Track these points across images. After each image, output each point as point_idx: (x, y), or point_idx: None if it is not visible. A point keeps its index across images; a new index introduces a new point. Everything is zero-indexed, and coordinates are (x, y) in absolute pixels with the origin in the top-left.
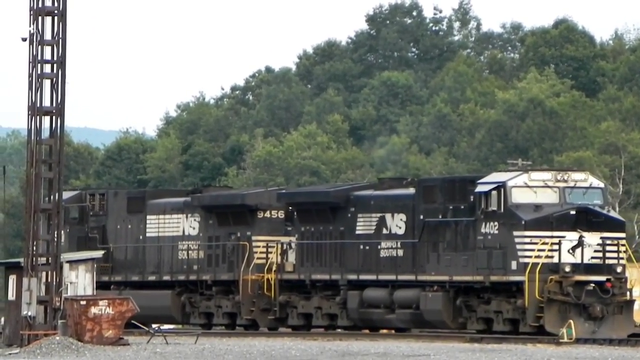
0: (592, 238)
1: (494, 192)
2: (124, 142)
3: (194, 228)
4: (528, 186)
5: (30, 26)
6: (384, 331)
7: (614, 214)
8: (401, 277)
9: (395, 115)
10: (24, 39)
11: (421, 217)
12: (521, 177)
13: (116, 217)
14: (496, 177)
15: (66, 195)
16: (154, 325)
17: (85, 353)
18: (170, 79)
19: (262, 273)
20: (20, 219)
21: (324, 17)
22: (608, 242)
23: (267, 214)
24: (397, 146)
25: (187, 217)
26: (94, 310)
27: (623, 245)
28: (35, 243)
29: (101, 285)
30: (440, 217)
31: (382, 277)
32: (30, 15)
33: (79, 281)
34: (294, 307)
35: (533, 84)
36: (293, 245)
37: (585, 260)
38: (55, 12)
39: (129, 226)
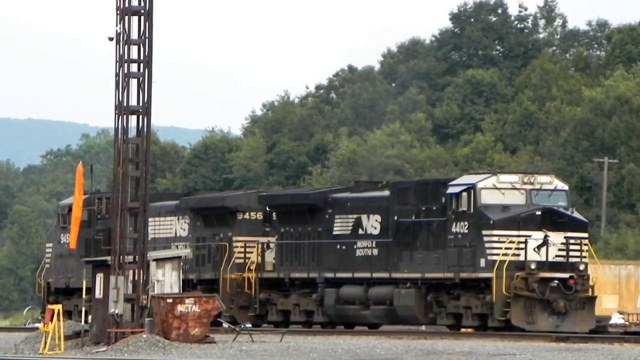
0: (557, 237)
1: (464, 194)
2: (210, 140)
3: (184, 230)
4: (496, 188)
5: (117, 26)
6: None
7: (577, 215)
8: (376, 275)
9: (480, 113)
10: (111, 39)
11: (395, 217)
12: (490, 179)
13: None
14: (466, 179)
15: None
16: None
17: (172, 351)
18: (256, 78)
19: (241, 272)
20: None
21: (408, 16)
22: (572, 241)
23: (247, 216)
24: (481, 144)
25: (178, 219)
26: (180, 308)
27: (586, 244)
28: (122, 241)
29: None
30: (413, 217)
31: (357, 275)
32: (117, 14)
33: (166, 279)
34: (273, 304)
35: (620, 81)
36: (271, 245)
37: (550, 259)
38: (142, 11)
39: (131, 228)
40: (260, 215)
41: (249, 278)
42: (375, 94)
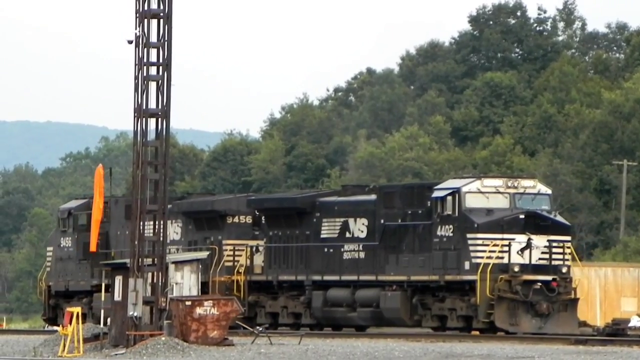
0: (540, 240)
1: (449, 198)
2: (229, 143)
3: (177, 233)
4: (481, 192)
5: (136, 29)
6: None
7: (560, 218)
8: (362, 278)
9: (499, 116)
10: (130, 42)
11: (382, 221)
12: (474, 183)
13: (117, 224)
14: (451, 183)
15: (75, 203)
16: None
17: (190, 353)
18: (275, 80)
19: (230, 275)
20: None
21: (426, 18)
22: (554, 244)
23: (236, 219)
24: (500, 147)
25: (171, 222)
26: (199, 310)
27: (568, 247)
28: (141, 244)
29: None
30: (399, 221)
31: (344, 277)
32: (136, 18)
33: (184, 282)
34: (262, 306)
35: (639, 84)
36: (260, 248)
37: (533, 261)
38: (161, 14)
39: (127, 232)
40: (249, 219)
41: (237, 281)
42: (394, 97)
